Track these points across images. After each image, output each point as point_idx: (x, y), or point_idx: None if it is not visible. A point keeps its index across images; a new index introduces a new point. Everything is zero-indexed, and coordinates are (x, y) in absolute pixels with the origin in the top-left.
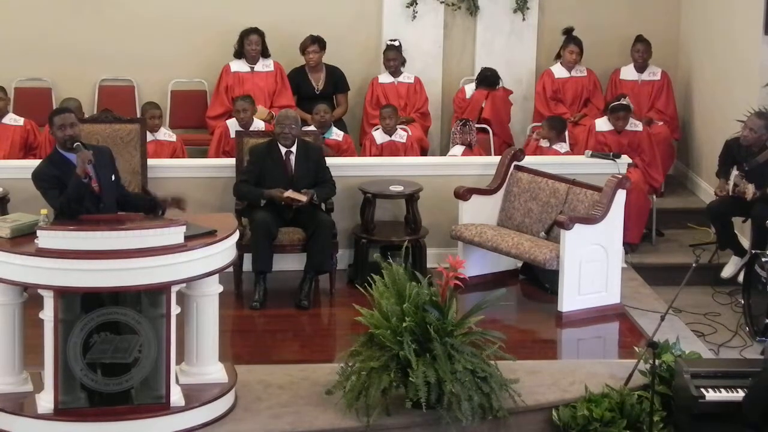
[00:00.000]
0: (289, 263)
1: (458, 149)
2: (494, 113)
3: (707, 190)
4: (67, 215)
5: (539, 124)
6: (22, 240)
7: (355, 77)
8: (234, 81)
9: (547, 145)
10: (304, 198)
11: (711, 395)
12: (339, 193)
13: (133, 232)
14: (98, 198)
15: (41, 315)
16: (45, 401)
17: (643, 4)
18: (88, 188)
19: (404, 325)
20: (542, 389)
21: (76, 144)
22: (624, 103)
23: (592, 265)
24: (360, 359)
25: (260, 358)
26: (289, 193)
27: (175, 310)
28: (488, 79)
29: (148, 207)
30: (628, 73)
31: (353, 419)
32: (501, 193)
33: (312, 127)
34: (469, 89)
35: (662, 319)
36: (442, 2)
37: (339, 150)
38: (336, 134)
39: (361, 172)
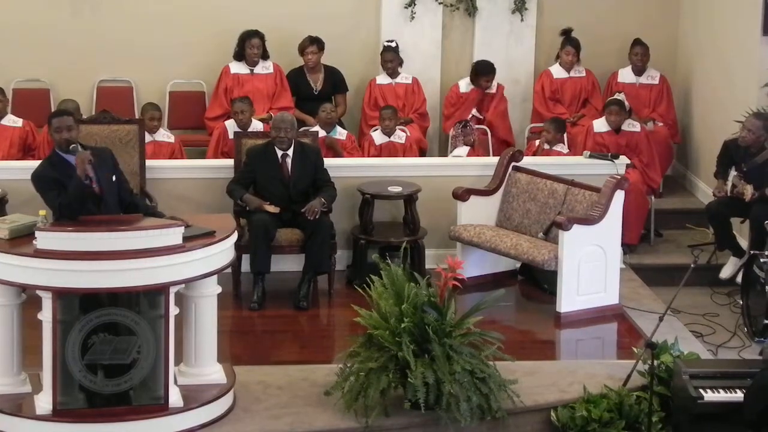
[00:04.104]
0: (287, 264)
1: (463, 150)
2: (495, 114)
3: (706, 191)
4: (67, 216)
5: (539, 125)
6: (20, 241)
7: (354, 78)
8: (233, 82)
9: (548, 147)
10: (276, 210)
11: (709, 396)
12: (338, 194)
13: (131, 233)
14: (99, 198)
15: (40, 316)
16: (43, 402)
17: (642, 5)
18: (89, 189)
19: (403, 325)
20: (541, 390)
21: (72, 146)
22: (617, 98)
23: (590, 266)
24: (359, 360)
25: (259, 358)
26: (268, 206)
27: (173, 310)
28: (485, 69)
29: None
30: (626, 75)
31: (352, 420)
32: (499, 193)
33: (315, 128)
34: (463, 83)
35: (661, 319)
36: (440, 3)
37: (344, 149)
38: (340, 133)
39: (360, 173)
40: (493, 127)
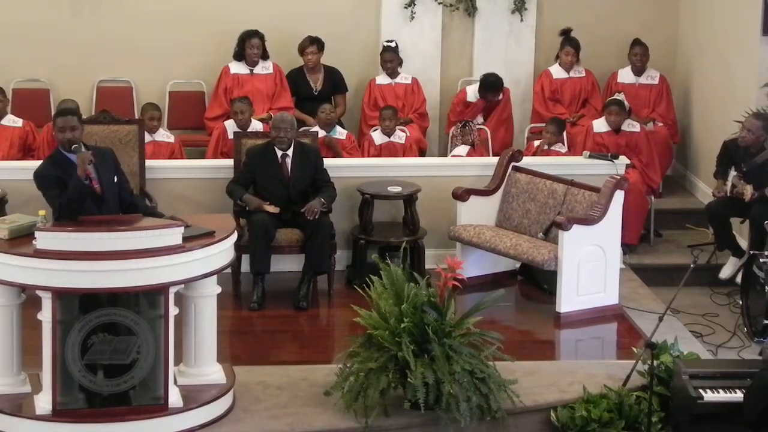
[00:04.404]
0: (287, 264)
1: (463, 149)
2: (498, 121)
3: (705, 191)
4: (67, 216)
5: (539, 125)
6: (20, 241)
7: (354, 78)
8: (233, 83)
9: (546, 147)
10: (276, 210)
11: (709, 396)
12: (337, 194)
13: (131, 233)
14: (101, 199)
15: (39, 316)
16: (43, 402)
17: (642, 5)
18: (90, 189)
19: (402, 326)
20: (540, 390)
21: (74, 146)
22: (616, 98)
23: (590, 266)
24: (358, 360)
25: (259, 359)
26: (267, 206)
27: (173, 311)
28: (494, 85)
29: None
30: (626, 76)
31: (352, 420)
32: (499, 193)
33: (315, 128)
34: (471, 91)
35: (660, 319)
36: (440, 3)
37: (343, 148)
38: (340, 133)
39: (360, 173)
40: (492, 132)
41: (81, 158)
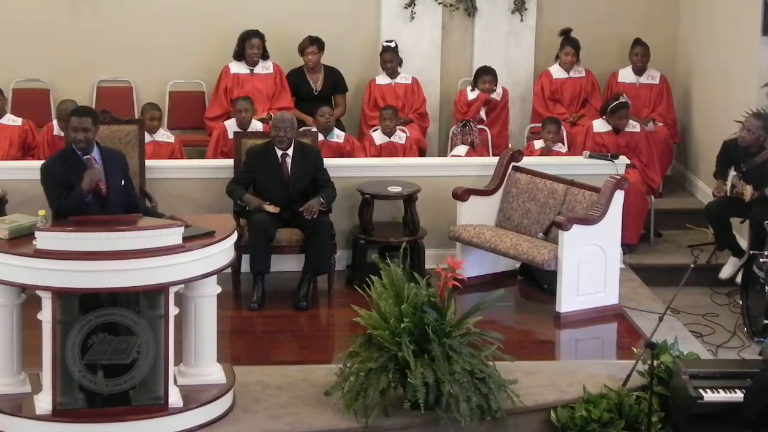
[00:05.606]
0: (287, 264)
1: (462, 149)
2: (495, 120)
3: (705, 191)
4: (63, 214)
5: (538, 125)
6: (20, 241)
7: (354, 78)
8: (233, 83)
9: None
10: (276, 210)
11: (709, 396)
12: (338, 194)
13: (131, 233)
14: (104, 200)
15: (39, 316)
16: (43, 402)
17: (642, 5)
18: (96, 190)
19: (402, 325)
20: (540, 390)
21: (86, 157)
22: (623, 101)
23: (590, 266)
24: (358, 360)
25: (259, 359)
26: (267, 206)
27: (173, 310)
28: (486, 71)
29: None
30: (626, 75)
31: (352, 420)
32: (499, 193)
33: (314, 128)
34: (469, 90)
35: (660, 319)
36: (440, 3)
37: (341, 152)
38: (337, 136)
39: (360, 173)
40: (489, 129)
41: (89, 175)
